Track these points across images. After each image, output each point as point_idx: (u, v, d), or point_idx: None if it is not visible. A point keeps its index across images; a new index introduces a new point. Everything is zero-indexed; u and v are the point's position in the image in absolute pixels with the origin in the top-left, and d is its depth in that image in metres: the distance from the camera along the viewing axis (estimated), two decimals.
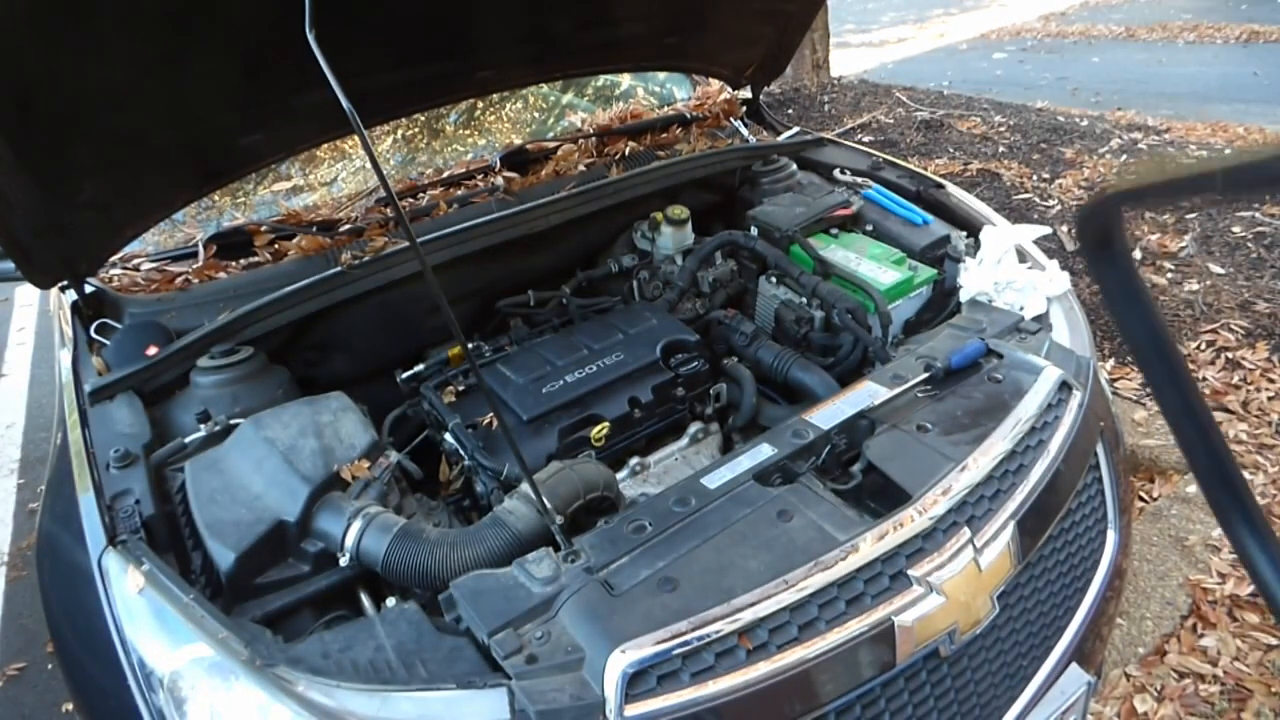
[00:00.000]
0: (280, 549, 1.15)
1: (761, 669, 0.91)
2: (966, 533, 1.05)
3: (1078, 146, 4.57)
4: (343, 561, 1.15)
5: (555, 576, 0.99)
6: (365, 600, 1.19)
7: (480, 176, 2.00)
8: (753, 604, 0.93)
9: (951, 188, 1.96)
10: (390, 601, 1.12)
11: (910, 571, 1.00)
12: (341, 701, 0.87)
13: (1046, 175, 4.22)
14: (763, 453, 1.19)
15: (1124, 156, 4.36)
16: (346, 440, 1.25)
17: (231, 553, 1.10)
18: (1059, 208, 3.84)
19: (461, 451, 1.43)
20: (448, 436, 1.46)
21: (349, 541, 1.13)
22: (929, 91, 6.18)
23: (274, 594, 1.14)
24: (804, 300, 1.78)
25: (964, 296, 1.62)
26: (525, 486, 1.16)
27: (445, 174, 2.03)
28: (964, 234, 1.80)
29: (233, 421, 1.30)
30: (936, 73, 7.74)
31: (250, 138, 1.54)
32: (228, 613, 1.06)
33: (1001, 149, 4.62)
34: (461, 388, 1.58)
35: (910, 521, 1.04)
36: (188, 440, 1.28)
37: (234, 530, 1.12)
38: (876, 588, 0.99)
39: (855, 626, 0.95)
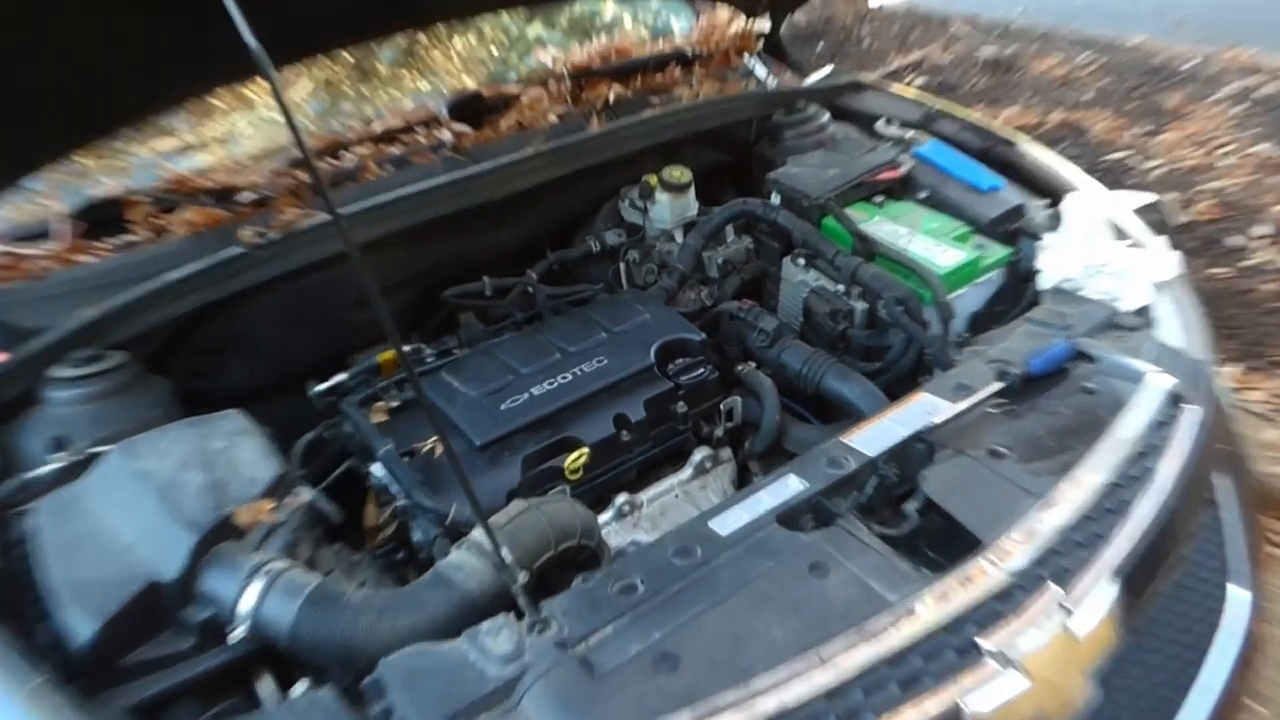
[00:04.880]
0: (156, 617, 1.13)
1: None
2: (1055, 591, 1.04)
3: (1183, 93, 4.58)
4: (238, 634, 1.13)
5: (518, 653, 0.99)
6: (267, 685, 1.17)
7: (422, 130, 2.00)
8: (777, 687, 0.93)
9: (1027, 144, 1.97)
10: (300, 687, 1.11)
11: (983, 643, 0.99)
12: None
13: (1146, 128, 4.21)
14: (789, 487, 1.20)
15: (1239, 106, 4.37)
16: (244, 473, 1.25)
17: (93, 622, 1.08)
18: (1162, 170, 3.83)
19: (394, 487, 1.43)
20: (377, 468, 1.46)
21: (246, 607, 1.11)
22: (996, 22, 6.17)
23: (148, 677, 1.12)
24: (841, 288, 1.78)
25: (1045, 283, 1.64)
26: (478, 533, 1.16)
27: (377, 127, 2.03)
28: (1044, 202, 1.81)
29: (96, 450, 1.29)
30: None
31: (131, 81, 1.54)
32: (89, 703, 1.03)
33: (1089, 95, 4.62)
34: (395, 404, 1.58)
35: (981, 576, 1.04)
36: (36, 474, 1.27)
37: (96, 592, 1.10)
38: (939, 665, 0.97)
39: (912, 716, 0.93)
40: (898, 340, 1.71)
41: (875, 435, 1.28)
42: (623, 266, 2.01)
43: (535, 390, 1.52)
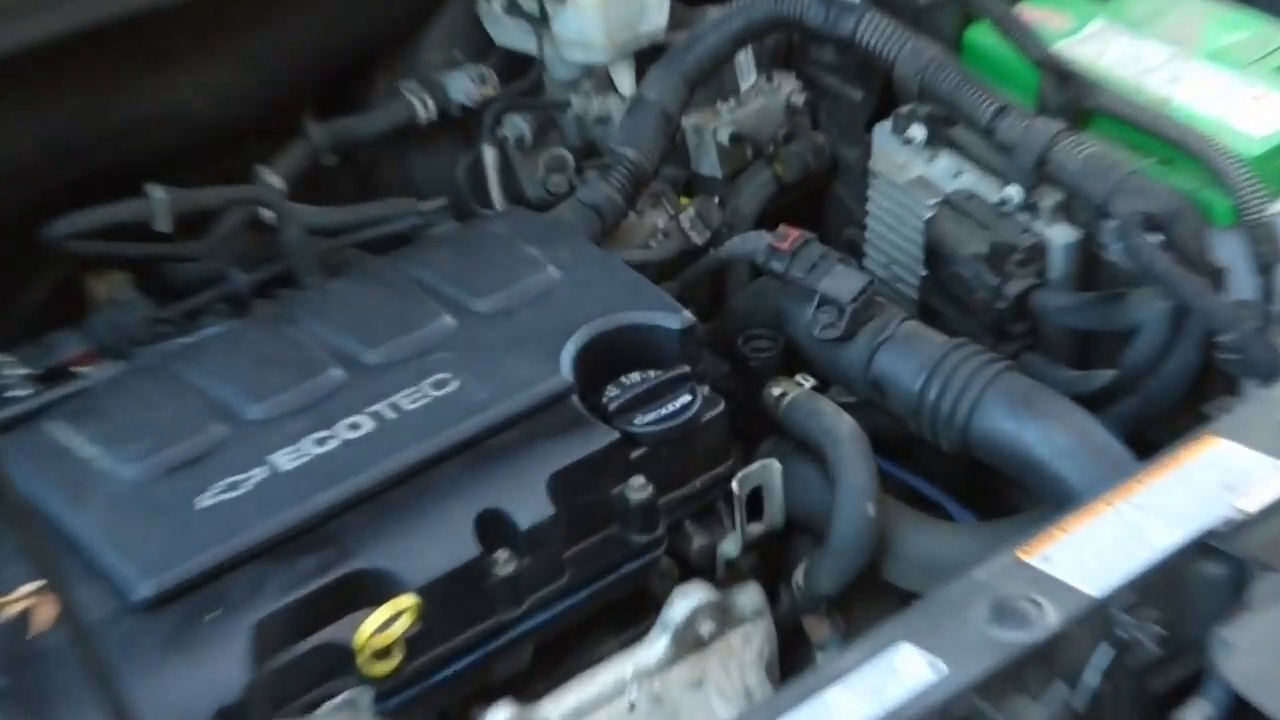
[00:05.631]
0: None
1: None
2: None
3: None
4: None
5: None
6: None
7: None
8: None
9: None
10: None
11: None
12: None
13: None
14: (900, 677, 0.91)
15: None
16: None
17: None
18: None
19: None
20: None
21: None
22: None
23: None
24: (1014, 193, 1.41)
25: None
26: None
27: None
28: None
29: None
30: None
31: None
32: None
33: None
34: None
35: None
36: None
37: None
38: None
39: None
40: (1153, 316, 1.30)
41: (1104, 546, 0.97)
42: (490, 156, 1.53)
43: (282, 459, 1.11)
